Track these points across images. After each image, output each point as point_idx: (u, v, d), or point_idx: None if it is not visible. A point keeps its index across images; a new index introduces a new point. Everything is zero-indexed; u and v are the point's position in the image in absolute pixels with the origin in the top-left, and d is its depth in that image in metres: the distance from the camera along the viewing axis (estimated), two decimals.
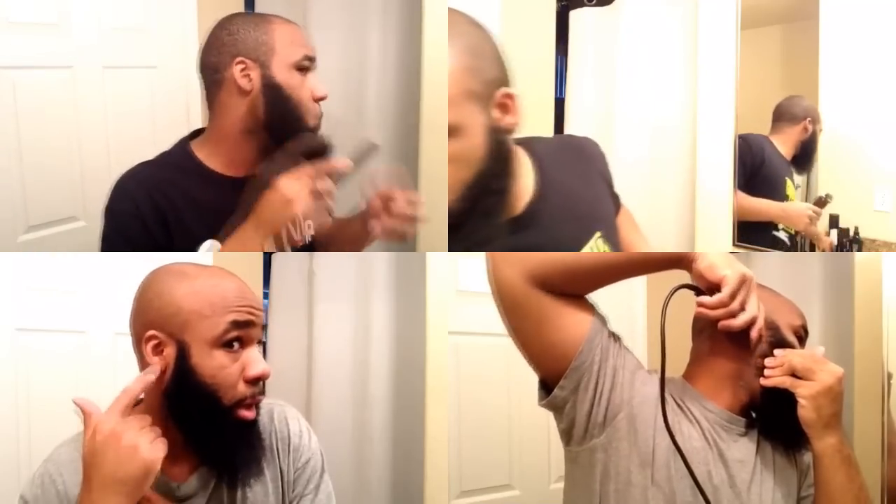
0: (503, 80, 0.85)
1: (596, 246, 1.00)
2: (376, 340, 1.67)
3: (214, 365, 0.85)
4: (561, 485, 1.05)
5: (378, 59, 1.88)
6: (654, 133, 1.98)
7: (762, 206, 1.81)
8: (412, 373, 1.58)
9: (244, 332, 0.87)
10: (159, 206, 1.06)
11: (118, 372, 1.58)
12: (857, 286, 1.55)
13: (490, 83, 0.84)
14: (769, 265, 1.74)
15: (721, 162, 1.86)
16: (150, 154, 1.16)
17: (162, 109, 1.80)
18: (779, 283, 1.71)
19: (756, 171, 1.83)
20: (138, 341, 0.89)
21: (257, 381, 0.88)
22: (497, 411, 1.70)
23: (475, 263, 1.68)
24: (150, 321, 0.87)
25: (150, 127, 1.77)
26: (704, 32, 1.91)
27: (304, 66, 1.12)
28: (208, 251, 1.06)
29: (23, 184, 1.50)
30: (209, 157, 1.13)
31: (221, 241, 1.07)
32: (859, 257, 1.56)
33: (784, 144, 1.77)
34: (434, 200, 1.73)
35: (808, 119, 1.72)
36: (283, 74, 1.10)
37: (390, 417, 1.59)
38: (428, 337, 1.57)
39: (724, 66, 1.84)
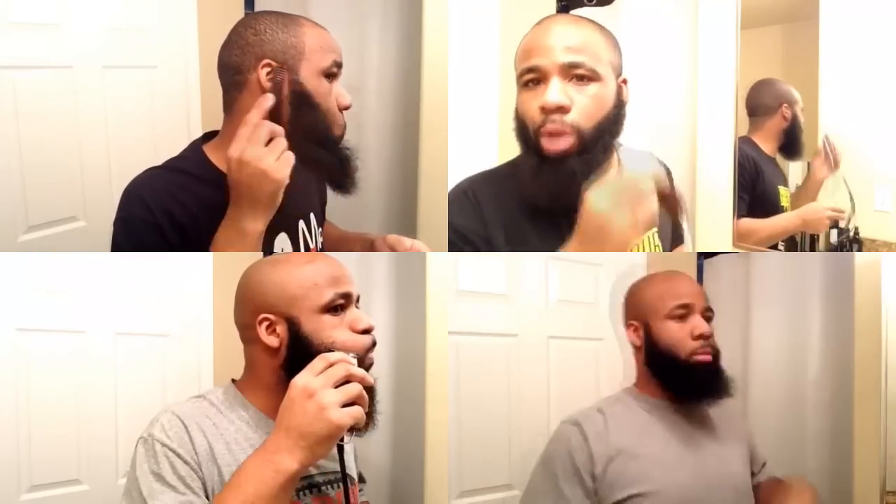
0: (621, 70, 1.08)
1: (650, 239, 1.11)
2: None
3: (325, 327, 0.94)
4: None
5: (378, 59, 1.88)
6: (653, 133, 1.98)
7: (778, 226, 1.72)
8: (412, 373, 1.58)
9: (345, 300, 0.97)
10: (175, 215, 1.03)
11: (118, 372, 1.58)
12: (857, 286, 1.55)
13: (618, 66, 1.07)
14: (769, 265, 1.74)
15: (721, 162, 1.86)
16: (150, 154, 1.16)
17: (162, 109, 1.80)
18: (779, 283, 1.73)
19: (753, 189, 1.77)
20: (248, 328, 0.97)
21: (366, 334, 0.98)
22: (497, 411, 1.70)
23: (475, 263, 1.68)
24: (259, 306, 0.96)
25: (150, 127, 1.77)
26: (704, 32, 1.91)
27: (333, 73, 1.09)
28: None
29: (23, 184, 1.50)
30: (225, 163, 1.07)
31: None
32: (859, 257, 1.56)
33: (766, 140, 1.74)
34: (434, 200, 1.73)
35: (784, 105, 1.69)
36: (312, 81, 1.06)
37: (390, 418, 1.59)
38: (428, 337, 1.57)
39: (724, 66, 1.84)
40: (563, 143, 1.00)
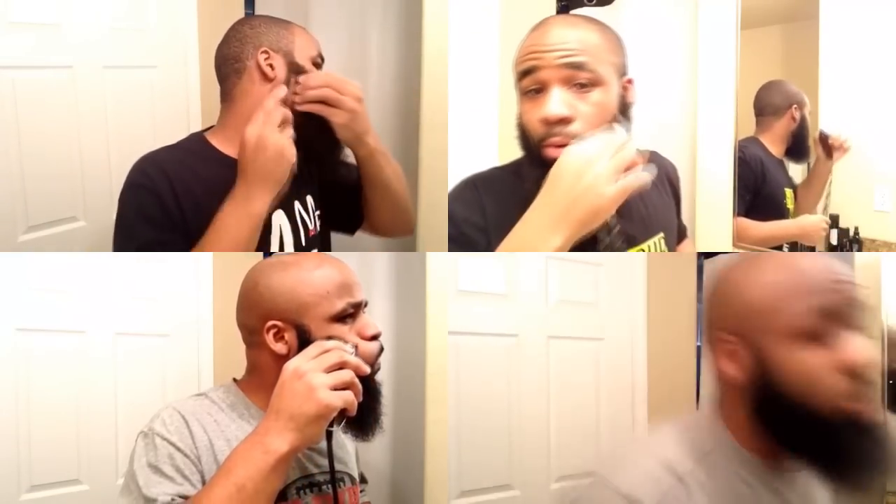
0: (626, 70, 1.03)
1: (657, 244, 1.08)
2: None
3: (335, 334, 0.92)
4: (560, 485, 1.05)
5: (378, 59, 1.88)
6: (654, 133, 1.98)
7: (775, 230, 1.73)
8: (412, 373, 1.58)
9: (356, 309, 0.95)
10: (174, 185, 1.10)
11: (118, 372, 1.58)
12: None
13: (621, 66, 1.01)
14: None
15: (721, 162, 1.86)
16: None
17: (162, 109, 1.80)
18: None
19: (758, 191, 1.77)
20: (254, 332, 0.95)
21: (374, 340, 0.95)
22: (497, 411, 1.70)
23: (475, 263, 1.68)
24: (267, 312, 0.94)
25: (150, 127, 1.77)
26: (704, 32, 1.91)
27: (318, 63, 1.21)
28: None
29: (23, 184, 1.50)
30: (224, 144, 1.18)
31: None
32: (859, 257, 1.56)
33: (774, 142, 1.74)
34: (434, 200, 1.73)
35: (794, 106, 1.68)
36: (306, 64, 1.18)
37: (390, 417, 1.59)
38: (428, 337, 1.57)
39: (724, 66, 1.84)
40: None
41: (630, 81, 1.03)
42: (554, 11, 1.87)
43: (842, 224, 1.61)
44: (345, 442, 1.08)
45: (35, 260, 1.47)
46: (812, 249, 1.68)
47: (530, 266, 1.78)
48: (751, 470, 0.76)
